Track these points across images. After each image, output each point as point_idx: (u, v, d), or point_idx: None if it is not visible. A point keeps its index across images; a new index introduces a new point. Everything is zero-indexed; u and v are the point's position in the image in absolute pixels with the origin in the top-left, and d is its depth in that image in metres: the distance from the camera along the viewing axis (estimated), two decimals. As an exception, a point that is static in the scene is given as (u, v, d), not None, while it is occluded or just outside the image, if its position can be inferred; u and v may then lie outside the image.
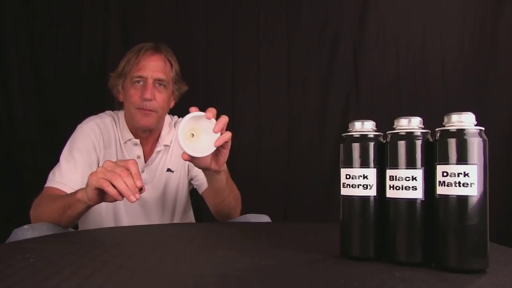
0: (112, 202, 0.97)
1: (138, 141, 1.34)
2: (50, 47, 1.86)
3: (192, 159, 1.03)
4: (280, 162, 1.89)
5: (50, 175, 1.22)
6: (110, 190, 0.90)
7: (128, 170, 0.92)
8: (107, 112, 1.39)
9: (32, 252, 0.68)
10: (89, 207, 1.01)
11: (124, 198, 0.90)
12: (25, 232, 0.97)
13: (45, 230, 0.99)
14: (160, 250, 0.75)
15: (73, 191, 1.18)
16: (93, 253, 0.70)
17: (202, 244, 0.80)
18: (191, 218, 1.47)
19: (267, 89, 1.90)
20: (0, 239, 1.04)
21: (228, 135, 1.00)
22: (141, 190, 0.91)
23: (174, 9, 1.90)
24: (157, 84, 1.30)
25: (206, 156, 1.01)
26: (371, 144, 0.65)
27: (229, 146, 1.04)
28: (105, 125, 1.33)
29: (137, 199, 0.90)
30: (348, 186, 0.65)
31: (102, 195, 0.95)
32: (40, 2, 1.86)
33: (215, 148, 0.99)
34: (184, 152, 0.99)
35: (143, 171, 1.33)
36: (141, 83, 1.29)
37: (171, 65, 1.34)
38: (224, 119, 1.00)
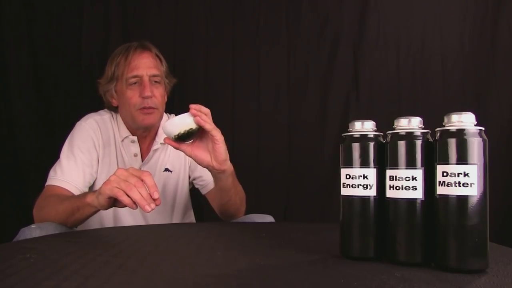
0: (123, 207, 0.98)
1: (135, 138, 1.34)
2: (50, 47, 1.86)
3: (186, 152, 1.04)
4: (280, 162, 1.88)
5: (51, 172, 1.22)
6: (124, 199, 0.90)
7: (142, 181, 0.92)
8: (106, 109, 1.39)
9: (32, 252, 0.68)
10: (98, 211, 1.02)
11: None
12: (32, 232, 0.98)
13: (52, 230, 1.00)
14: (160, 250, 0.75)
15: (75, 189, 1.18)
16: (93, 253, 0.69)
17: (202, 244, 0.80)
18: (191, 218, 1.47)
19: (267, 89, 1.90)
20: (1, 239, 1.04)
21: (204, 110, 1.00)
22: (155, 200, 0.91)
23: (174, 9, 1.90)
24: (153, 81, 1.30)
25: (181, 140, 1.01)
26: (371, 144, 0.65)
27: (220, 142, 1.03)
28: (104, 122, 1.34)
29: (152, 209, 0.90)
30: (348, 186, 0.65)
31: (113, 202, 0.96)
32: (40, 2, 1.86)
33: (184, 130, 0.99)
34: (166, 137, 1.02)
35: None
36: (137, 83, 1.29)
37: (161, 60, 1.35)
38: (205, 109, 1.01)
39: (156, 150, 1.36)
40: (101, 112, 1.37)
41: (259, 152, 1.88)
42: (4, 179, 1.80)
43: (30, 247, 0.74)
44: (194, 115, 0.99)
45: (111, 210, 1.30)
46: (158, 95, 1.30)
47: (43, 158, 1.80)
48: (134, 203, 0.90)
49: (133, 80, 1.29)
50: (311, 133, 1.90)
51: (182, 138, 1.01)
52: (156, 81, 1.31)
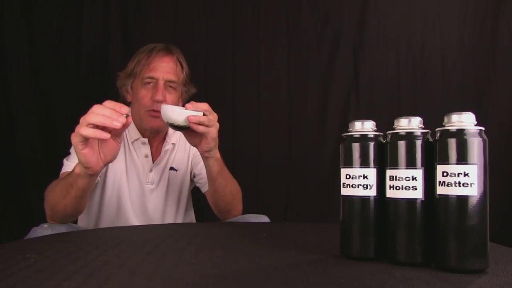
0: (110, 159, 0.91)
1: (146, 140, 1.33)
2: (50, 47, 1.86)
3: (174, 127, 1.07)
4: (280, 162, 1.89)
5: (64, 160, 1.21)
6: (89, 133, 0.83)
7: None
8: None
9: (33, 252, 0.68)
10: (92, 178, 0.97)
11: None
12: (44, 231, 0.97)
13: (63, 230, 0.99)
14: (160, 250, 0.75)
15: None
16: (93, 253, 0.69)
17: (202, 244, 0.80)
18: (192, 217, 1.47)
19: (267, 89, 1.90)
20: (1, 238, 1.04)
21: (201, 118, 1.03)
22: (127, 117, 0.85)
23: (174, 9, 1.90)
24: (168, 86, 1.29)
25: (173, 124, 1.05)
26: (371, 144, 0.65)
27: (210, 138, 1.07)
28: None
29: (123, 124, 0.83)
30: (348, 186, 0.65)
31: (96, 156, 0.90)
32: (40, 2, 1.86)
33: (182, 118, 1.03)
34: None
35: (151, 171, 1.33)
36: (152, 84, 1.28)
37: (182, 67, 1.34)
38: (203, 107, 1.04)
39: (166, 150, 1.36)
40: None
41: (259, 152, 1.88)
42: (4, 179, 1.80)
43: (30, 247, 0.74)
44: (189, 120, 1.02)
45: (114, 209, 1.29)
46: (169, 100, 1.29)
47: (43, 159, 1.81)
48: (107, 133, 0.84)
49: (149, 80, 1.28)
50: (311, 133, 1.90)
51: (173, 127, 1.06)
52: (171, 87, 1.30)
